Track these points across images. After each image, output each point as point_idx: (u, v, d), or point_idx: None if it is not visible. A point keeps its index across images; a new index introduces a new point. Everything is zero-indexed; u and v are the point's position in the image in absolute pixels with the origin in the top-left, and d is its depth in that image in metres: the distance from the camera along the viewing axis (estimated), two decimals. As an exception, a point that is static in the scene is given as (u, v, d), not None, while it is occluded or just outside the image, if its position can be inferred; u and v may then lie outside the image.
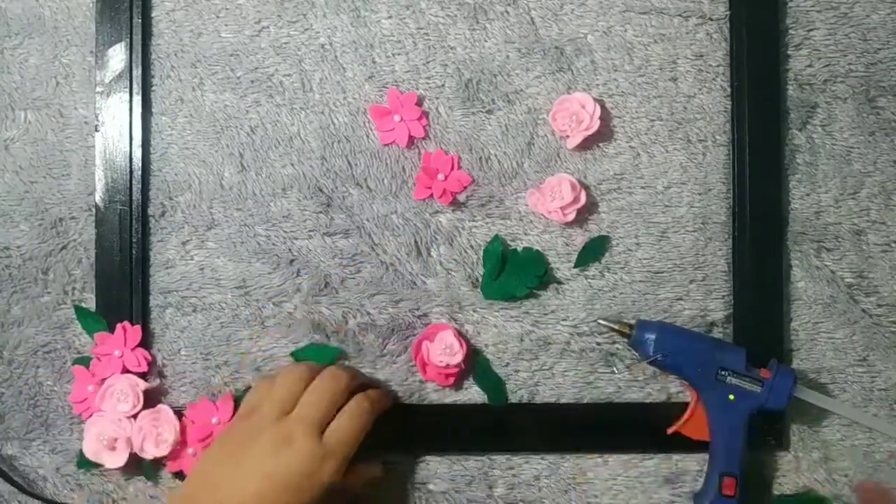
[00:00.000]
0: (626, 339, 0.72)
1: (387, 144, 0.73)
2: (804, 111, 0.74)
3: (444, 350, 0.71)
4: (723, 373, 0.69)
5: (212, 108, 0.74)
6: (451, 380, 0.72)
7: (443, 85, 0.73)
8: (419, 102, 0.73)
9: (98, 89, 0.73)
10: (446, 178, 0.72)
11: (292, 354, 0.73)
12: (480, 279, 0.73)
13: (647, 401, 0.73)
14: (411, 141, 0.73)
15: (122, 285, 0.73)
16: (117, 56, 0.73)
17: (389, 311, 0.73)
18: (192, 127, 0.74)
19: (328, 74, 0.74)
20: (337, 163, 0.73)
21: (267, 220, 0.73)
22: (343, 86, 0.74)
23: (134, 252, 0.73)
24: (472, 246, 0.73)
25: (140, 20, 0.73)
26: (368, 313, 0.73)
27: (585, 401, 0.73)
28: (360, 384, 0.69)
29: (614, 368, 0.74)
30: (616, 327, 0.72)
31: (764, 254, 0.73)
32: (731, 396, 0.69)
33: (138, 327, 0.72)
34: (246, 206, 0.73)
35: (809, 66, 0.74)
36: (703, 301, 0.73)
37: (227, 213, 0.73)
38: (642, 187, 0.73)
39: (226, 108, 0.74)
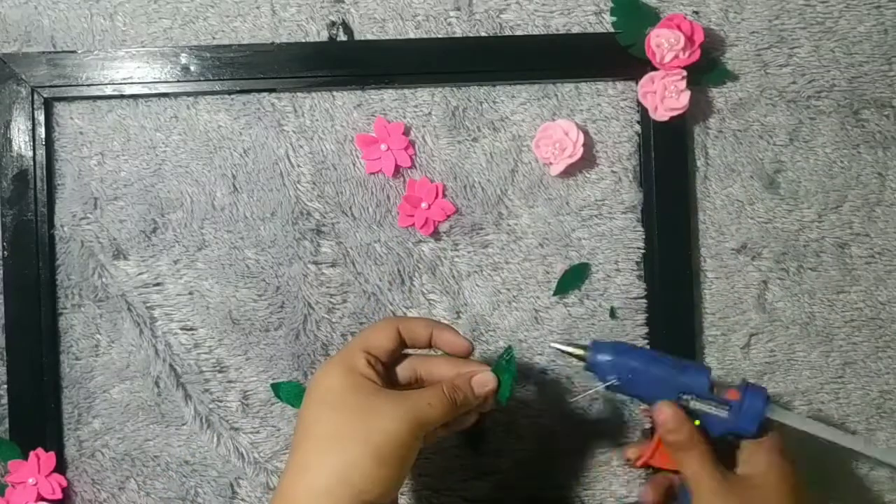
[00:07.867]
0: (581, 363, 0.64)
1: (373, 173, 0.73)
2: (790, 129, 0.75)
3: None
4: (685, 397, 0.62)
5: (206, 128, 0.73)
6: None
7: (429, 113, 0.74)
8: (406, 132, 0.74)
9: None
10: (430, 206, 0.73)
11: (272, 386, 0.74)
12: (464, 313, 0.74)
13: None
14: (397, 170, 0.73)
15: (36, 411, 0.72)
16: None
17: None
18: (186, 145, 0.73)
19: (317, 102, 0.74)
20: (326, 190, 0.74)
21: (256, 245, 0.73)
22: (332, 113, 0.74)
23: (45, 377, 0.72)
24: (453, 276, 0.74)
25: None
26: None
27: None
28: None
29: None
30: (570, 350, 0.65)
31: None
32: (697, 422, 0.62)
33: (52, 454, 0.71)
34: (237, 228, 0.73)
35: (793, 82, 0.75)
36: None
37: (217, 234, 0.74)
38: (622, 212, 0.74)
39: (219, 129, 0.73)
